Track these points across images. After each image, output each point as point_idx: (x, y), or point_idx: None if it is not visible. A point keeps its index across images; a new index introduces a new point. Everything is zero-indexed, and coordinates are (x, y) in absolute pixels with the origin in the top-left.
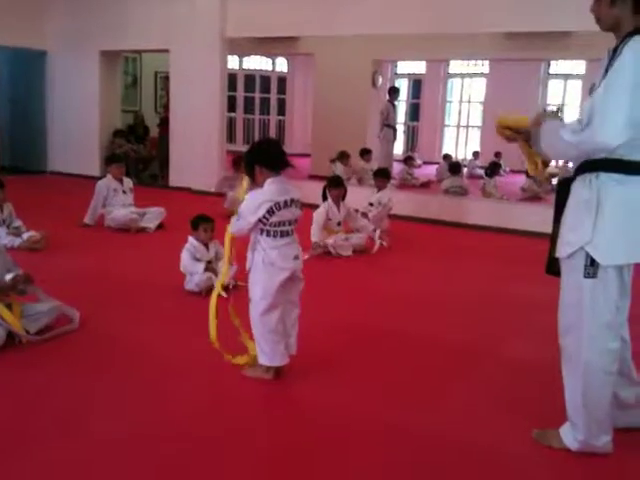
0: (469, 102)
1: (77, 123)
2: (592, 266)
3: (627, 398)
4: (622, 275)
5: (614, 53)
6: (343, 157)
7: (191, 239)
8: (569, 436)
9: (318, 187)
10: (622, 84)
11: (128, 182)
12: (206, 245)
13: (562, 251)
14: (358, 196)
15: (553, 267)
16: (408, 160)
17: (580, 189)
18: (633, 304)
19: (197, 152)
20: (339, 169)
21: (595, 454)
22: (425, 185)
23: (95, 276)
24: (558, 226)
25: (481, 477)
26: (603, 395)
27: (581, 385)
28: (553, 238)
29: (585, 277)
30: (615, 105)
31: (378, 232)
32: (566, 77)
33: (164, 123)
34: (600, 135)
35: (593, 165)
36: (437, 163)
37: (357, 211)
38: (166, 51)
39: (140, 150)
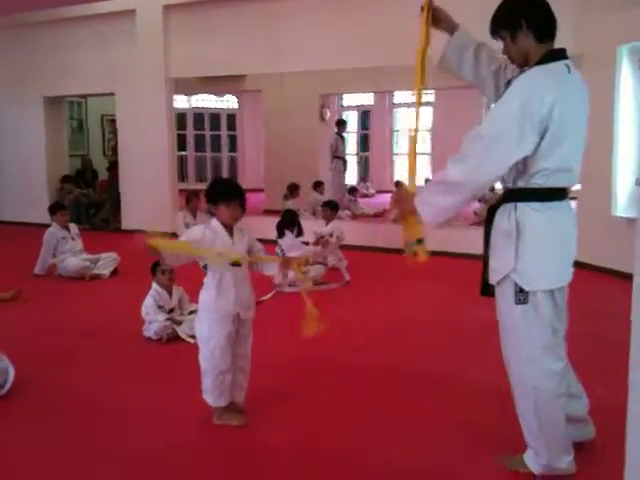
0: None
1: (24, 170)
2: (522, 292)
3: (575, 412)
4: (554, 298)
5: (507, 85)
6: (293, 190)
7: (154, 285)
8: (532, 461)
9: (273, 222)
10: (507, 112)
11: (74, 228)
12: (169, 291)
13: (491, 278)
14: (311, 228)
15: (488, 289)
16: (351, 191)
17: (500, 220)
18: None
19: (149, 193)
20: (289, 204)
21: (560, 476)
22: (379, 215)
23: (51, 327)
24: (488, 252)
25: None
26: (556, 417)
27: (533, 410)
28: (485, 262)
29: (516, 304)
30: (500, 133)
31: (345, 265)
32: None
33: (113, 166)
34: (484, 169)
35: (512, 195)
36: (390, 192)
37: (307, 243)
38: (111, 94)
39: (90, 195)
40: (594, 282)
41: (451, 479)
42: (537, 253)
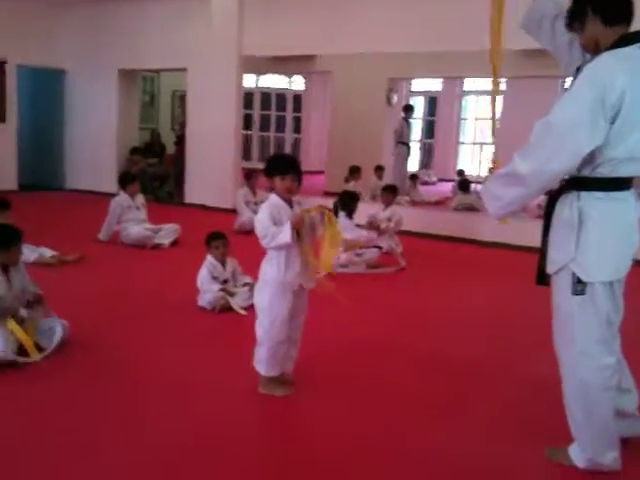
0: (485, 119)
1: (95, 140)
2: (580, 283)
3: (624, 407)
4: (612, 289)
5: (577, 72)
6: (354, 172)
7: (209, 257)
8: (577, 454)
9: (331, 203)
10: (578, 101)
11: (140, 198)
12: (223, 262)
13: (549, 268)
14: (369, 211)
15: (543, 279)
16: (412, 178)
17: (562, 208)
18: None
19: (212, 169)
20: (350, 186)
21: (603, 472)
22: (440, 203)
23: (109, 291)
24: (546, 241)
25: None
26: (604, 411)
27: (580, 402)
28: (542, 251)
29: (574, 294)
30: (572, 123)
31: (400, 250)
32: None
33: (180, 141)
34: (557, 160)
35: (575, 184)
36: (452, 180)
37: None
38: (183, 70)
39: (156, 167)
40: None
41: (497, 467)
42: (598, 244)
